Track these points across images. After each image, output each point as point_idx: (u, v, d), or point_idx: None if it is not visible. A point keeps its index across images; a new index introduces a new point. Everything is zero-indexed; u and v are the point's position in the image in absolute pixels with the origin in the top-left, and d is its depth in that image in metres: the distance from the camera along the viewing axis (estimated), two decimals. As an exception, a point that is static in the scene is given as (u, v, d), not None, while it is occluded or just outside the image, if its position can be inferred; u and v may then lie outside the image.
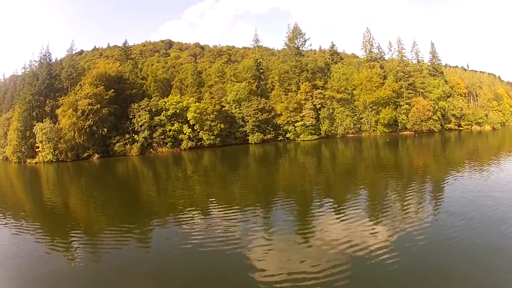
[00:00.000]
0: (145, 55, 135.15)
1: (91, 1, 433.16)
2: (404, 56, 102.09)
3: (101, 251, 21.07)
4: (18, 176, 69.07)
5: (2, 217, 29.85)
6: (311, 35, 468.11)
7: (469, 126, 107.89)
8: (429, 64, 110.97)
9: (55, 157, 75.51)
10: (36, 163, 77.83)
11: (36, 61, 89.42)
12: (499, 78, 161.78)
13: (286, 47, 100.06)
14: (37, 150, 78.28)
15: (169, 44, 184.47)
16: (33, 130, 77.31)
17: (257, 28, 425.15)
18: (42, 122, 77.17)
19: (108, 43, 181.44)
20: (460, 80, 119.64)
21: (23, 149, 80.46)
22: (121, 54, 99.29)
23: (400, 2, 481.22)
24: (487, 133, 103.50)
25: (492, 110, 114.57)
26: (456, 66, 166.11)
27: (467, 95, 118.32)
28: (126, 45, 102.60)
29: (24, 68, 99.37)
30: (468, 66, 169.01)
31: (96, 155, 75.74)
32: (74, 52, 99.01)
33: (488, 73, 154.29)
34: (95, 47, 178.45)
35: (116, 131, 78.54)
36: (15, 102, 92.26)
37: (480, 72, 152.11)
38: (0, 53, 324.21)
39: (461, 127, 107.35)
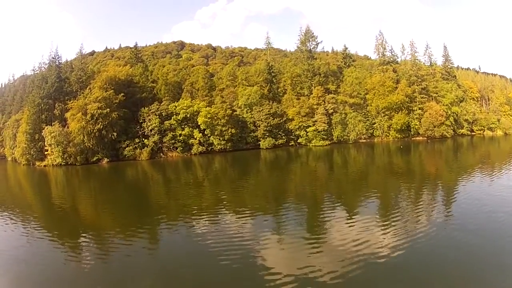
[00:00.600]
0: (157, 56, 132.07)
1: (103, 2, 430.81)
2: (417, 59, 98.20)
3: (110, 254, 21.31)
4: (27, 179, 67.19)
5: (14, 221, 29.94)
6: (323, 35, 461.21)
7: (481, 131, 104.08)
8: (442, 67, 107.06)
9: (64, 161, 73.11)
10: (45, 166, 75.65)
11: (46, 63, 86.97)
12: (511, 80, 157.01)
13: (298, 50, 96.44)
14: (46, 153, 75.98)
15: (181, 45, 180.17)
16: (42, 133, 74.98)
17: (269, 29, 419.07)
18: (51, 125, 74.77)
19: (120, 44, 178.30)
20: (472, 84, 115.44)
21: (32, 152, 78.28)
22: (131, 56, 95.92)
23: (411, 3, 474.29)
24: (499, 138, 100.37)
25: (504, 115, 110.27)
26: (468, 68, 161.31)
27: (479, 99, 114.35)
28: (137, 47, 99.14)
29: (33, 70, 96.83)
30: (479, 68, 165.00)
31: (106, 159, 72.95)
32: (84, 53, 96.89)
33: (500, 76, 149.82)
34: (106, 48, 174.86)
35: (126, 135, 75.61)
36: (24, 104, 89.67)
37: (492, 74, 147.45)
38: (11, 54, 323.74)
39: (473, 132, 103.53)
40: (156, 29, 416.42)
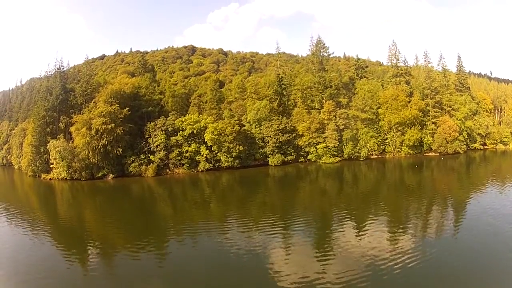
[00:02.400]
0: (167, 62, 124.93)
1: (113, 4, 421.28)
2: (431, 71, 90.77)
3: (117, 264, 22.49)
4: (35, 193, 64.97)
5: (26, 232, 31.66)
6: (335, 39, 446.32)
7: (494, 145, 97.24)
8: (456, 78, 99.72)
9: (69, 175, 68.31)
10: (50, 179, 71.38)
11: (51, 71, 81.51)
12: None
13: (309, 61, 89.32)
14: (51, 166, 71.21)
15: (192, 50, 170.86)
16: (47, 147, 70.07)
17: (282, 32, 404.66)
18: (56, 139, 69.88)
19: (131, 48, 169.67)
20: (486, 95, 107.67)
21: (37, 164, 74.05)
22: (138, 66, 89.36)
23: (422, 5, 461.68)
24: (511, 153, 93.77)
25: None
26: (480, 74, 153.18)
27: (492, 110, 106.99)
28: (145, 56, 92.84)
29: (40, 76, 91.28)
30: (491, 74, 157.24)
31: (111, 175, 67.96)
32: (94, 57, 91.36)
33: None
34: (117, 51, 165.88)
35: (132, 151, 70.11)
36: (30, 114, 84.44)
37: (504, 81, 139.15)
38: (20, 56, 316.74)
39: (486, 145, 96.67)
40: (168, 32, 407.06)
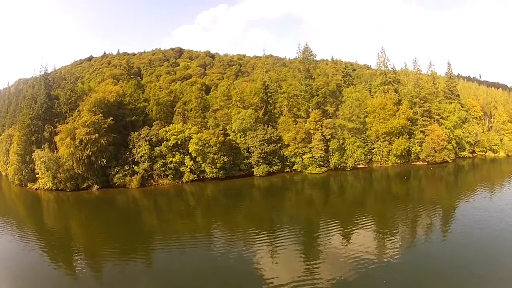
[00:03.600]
0: (154, 64, 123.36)
1: (104, 5, 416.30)
2: (420, 79, 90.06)
3: (104, 275, 23.66)
4: (20, 203, 66.62)
5: (13, 245, 32.67)
6: (324, 42, 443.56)
7: (484, 153, 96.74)
8: (445, 85, 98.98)
9: (54, 186, 67.84)
10: (36, 189, 70.80)
11: (37, 75, 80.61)
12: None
13: (296, 68, 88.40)
14: (37, 175, 70.82)
15: (179, 52, 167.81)
16: (32, 157, 69.58)
17: (270, 34, 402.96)
18: (41, 148, 69.53)
19: (118, 50, 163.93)
20: (475, 101, 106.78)
21: (23, 173, 73.53)
22: (123, 72, 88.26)
23: (412, 7, 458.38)
24: (501, 160, 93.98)
25: (507, 133, 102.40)
26: (469, 77, 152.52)
27: (482, 117, 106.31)
28: (132, 59, 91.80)
29: (27, 79, 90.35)
30: (480, 77, 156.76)
31: (96, 186, 67.51)
32: (82, 59, 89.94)
33: (502, 88, 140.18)
34: (104, 53, 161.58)
35: (116, 161, 69.44)
36: (16, 120, 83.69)
37: (494, 85, 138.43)
38: (10, 56, 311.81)
39: (475, 153, 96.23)
40: (156, 33, 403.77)
